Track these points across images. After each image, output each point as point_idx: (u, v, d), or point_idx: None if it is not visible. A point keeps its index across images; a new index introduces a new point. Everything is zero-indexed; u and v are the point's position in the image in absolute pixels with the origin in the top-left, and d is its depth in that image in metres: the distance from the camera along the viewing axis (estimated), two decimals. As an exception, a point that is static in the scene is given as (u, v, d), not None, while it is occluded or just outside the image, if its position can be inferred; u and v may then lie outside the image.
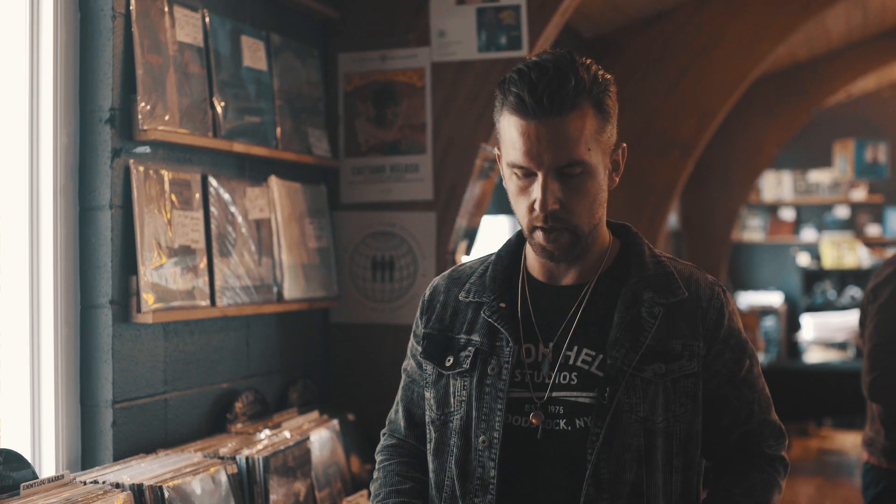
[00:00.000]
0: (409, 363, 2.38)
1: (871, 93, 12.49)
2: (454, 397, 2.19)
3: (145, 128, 3.14)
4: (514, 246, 2.30)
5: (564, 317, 2.17)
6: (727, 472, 2.24)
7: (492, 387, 2.14)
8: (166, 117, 3.24)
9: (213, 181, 3.48)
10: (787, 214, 13.21)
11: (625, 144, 2.21)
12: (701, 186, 10.67)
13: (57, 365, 3.04)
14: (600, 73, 2.10)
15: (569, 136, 2.02)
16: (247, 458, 3.15)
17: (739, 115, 10.03)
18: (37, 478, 2.76)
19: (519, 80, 2.05)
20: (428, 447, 2.26)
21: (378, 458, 2.40)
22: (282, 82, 3.91)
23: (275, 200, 3.82)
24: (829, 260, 12.76)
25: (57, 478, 2.77)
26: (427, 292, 2.35)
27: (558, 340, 2.15)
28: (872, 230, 12.93)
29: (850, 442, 11.41)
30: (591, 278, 2.19)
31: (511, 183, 2.11)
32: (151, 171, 3.21)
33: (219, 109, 3.50)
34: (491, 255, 2.32)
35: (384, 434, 2.44)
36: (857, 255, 12.65)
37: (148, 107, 3.17)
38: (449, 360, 2.22)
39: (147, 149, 3.20)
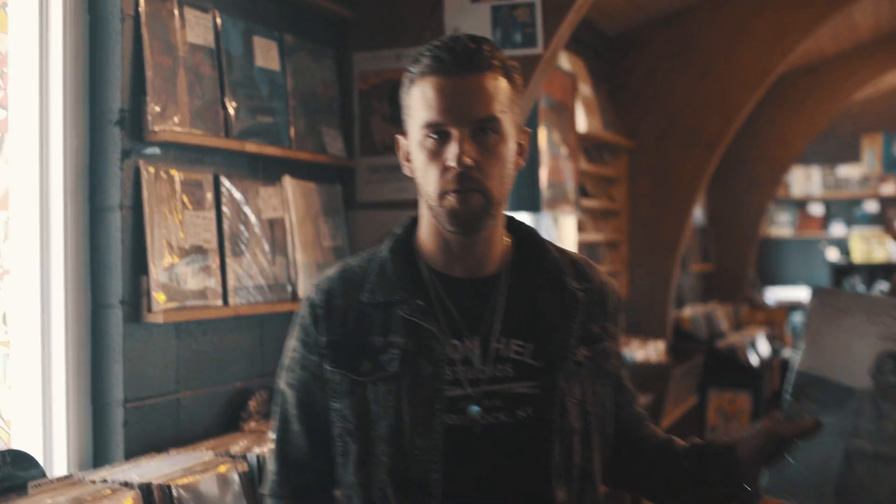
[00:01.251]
0: (295, 376, 2.17)
1: (899, 87, 12.41)
2: (377, 404, 2.07)
3: (155, 129, 3.16)
4: (405, 242, 2.20)
5: (485, 309, 2.13)
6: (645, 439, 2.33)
7: (426, 388, 2.06)
8: (176, 118, 3.25)
9: (225, 181, 3.49)
10: (816, 209, 13.15)
11: (529, 129, 2.22)
12: (727, 182, 10.64)
13: (68, 365, 3.06)
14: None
15: (486, 92, 2.05)
16: (258, 457, 3.16)
17: (766, 110, 10.00)
18: (46, 477, 2.78)
19: (434, 47, 2.07)
20: (340, 461, 2.14)
21: None
22: (295, 82, 3.92)
23: (289, 200, 3.83)
24: (859, 254, 12.70)
25: (66, 477, 2.79)
26: (317, 297, 2.16)
27: (484, 333, 2.11)
28: (902, 224, 12.86)
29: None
30: (498, 269, 2.17)
31: (422, 150, 2.05)
32: (162, 172, 3.23)
33: (231, 110, 3.51)
34: (376, 252, 2.21)
35: (274, 472, 2.19)
36: (886, 250, 12.58)
37: (158, 108, 3.19)
38: (365, 367, 2.09)
39: (157, 150, 3.22)
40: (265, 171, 3.78)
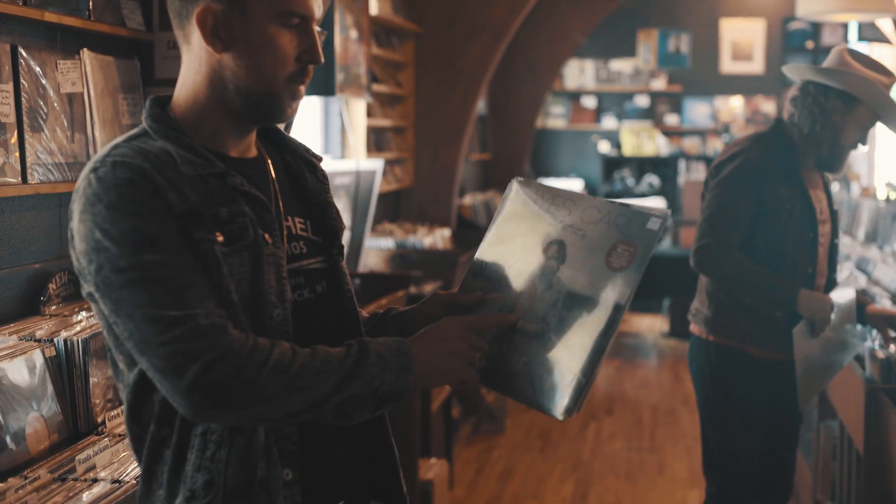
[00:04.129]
0: (156, 246, 1.87)
1: (674, -17, 12.71)
2: (233, 277, 1.95)
3: (-49, -8, 2.95)
4: (173, 121, 2.05)
5: (269, 188, 2.12)
6: None
7: (274, 256, 2.03)
8: (-26, -18, 3.05)
9: (23, 52, 3.30)
10: (589, 102, 13.41)
11: None
12: (507, 73, 10.74)
13: None
14: None
15: None
16: (65, 341, 3.04)
17: (546, 2, 10.08)
18: None
19: None
20: None
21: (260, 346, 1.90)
22: (94, -51, 3.72)
23: (87, 74, 3.65)
24: (629, 148, 13.06)
25: None
26: (146, 167, 1.91)
27: (276, 211, 2.11)
28: (671, 119, 13.26)
29: (646, 325, 11.79)
30: (258, 151, 2.18)
31: (271, 35, 2.00)
32: (-42, 39, 3.03)
33: (28, -25, 3.31)
34: (145, 133, 2.03)
35: (196, 307, 1.86)
36: (655, 144, 12.97)
37: (-46, -30, 2.98)
38: (219, 237, 1.95)
39: (-47, 15, 3.02)
40: (63, 43, 3.59)
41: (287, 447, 2.02)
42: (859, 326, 4.34)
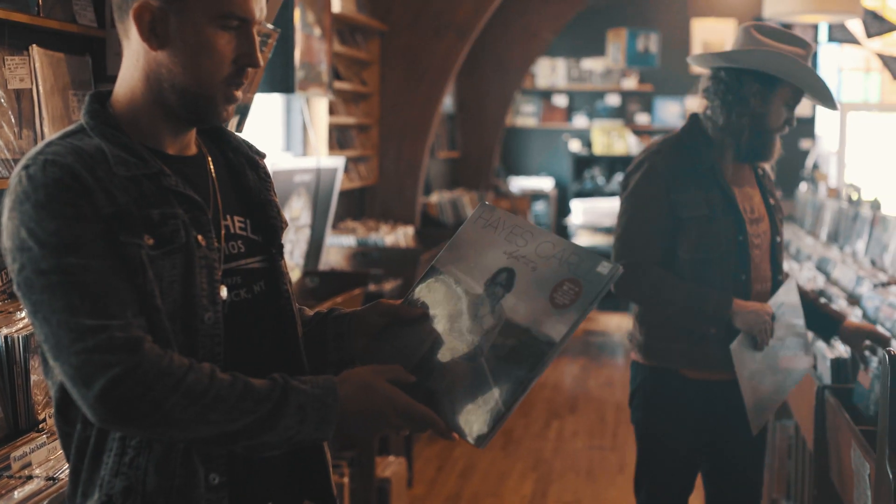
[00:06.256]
0: (80, 248, 1.85)
1: (643, -18, 12.74)
2: (162, 280, 1.93)
3: None
4: (111, 118, 2.03)
5: (207, 187, 2.11)
6: None
7: (207, 259, 2.00)
8: (-84, -23, 3.04)
9: (-32, 48, 3.30)
10: (560, 101, 13.44)
11: None
12: (476, 70, 10.76)
13: None
14: None
15: None
16: (6, 338, 3.04)
17: (515, 1, 10.11)
18: None
19: None
20: None
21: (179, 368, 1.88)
22: (44, -55, 3.70)
23: (36, 70, 3.65)
24: (600, 147, 13.09)
25: None
26: (75, 168, 1.89)
27: (214, 210, 2.09)
28: (641, 119, 13.29)
29: (613, 323, 11.82)
30: (195, 147, 2.17)
31: (209, 36, 1.99)
32: None
33: (-26, -29, 3.30)
34: (81, 130, 2.01)
35: (111, 319, 1.84)
36: (626, 143, 13.00)
37: None
38: (149, 240, 1.92)
39: None
40: (11, 38, 3.58)
41: (214, 452, 2.00)
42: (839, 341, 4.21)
